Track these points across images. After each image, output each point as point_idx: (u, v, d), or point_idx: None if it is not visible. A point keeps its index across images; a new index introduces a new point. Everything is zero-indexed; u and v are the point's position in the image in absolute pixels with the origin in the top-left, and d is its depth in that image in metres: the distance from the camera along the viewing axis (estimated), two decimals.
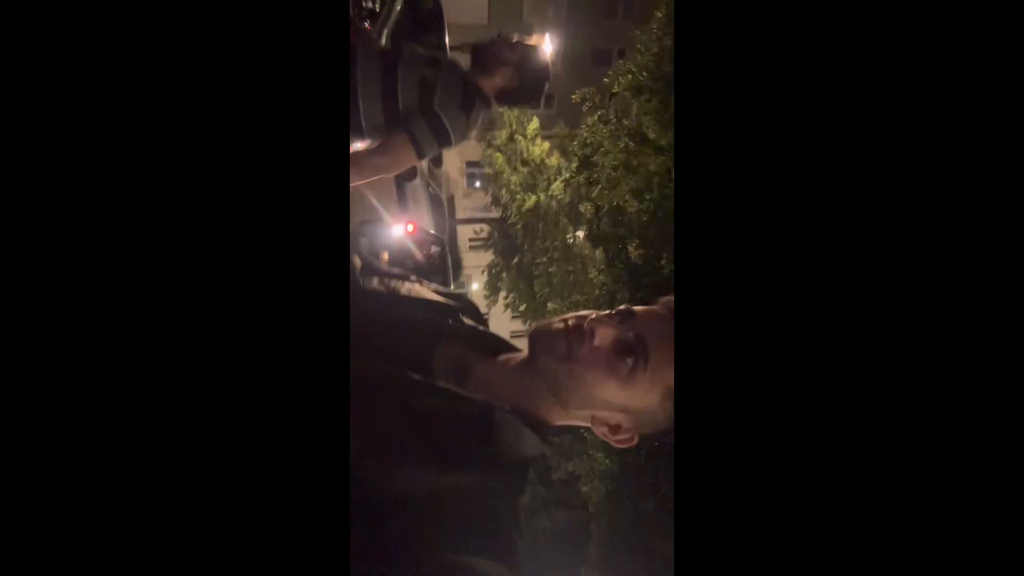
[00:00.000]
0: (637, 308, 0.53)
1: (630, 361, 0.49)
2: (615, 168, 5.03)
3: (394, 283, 0.61)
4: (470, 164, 10.87)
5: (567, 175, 6.40)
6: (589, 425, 0.54)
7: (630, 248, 4.94)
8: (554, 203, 7.14)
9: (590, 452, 5.59)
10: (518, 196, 7.33)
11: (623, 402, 0.50)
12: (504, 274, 8.10)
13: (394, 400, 0.46)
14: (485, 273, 8.50)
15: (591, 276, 5.69)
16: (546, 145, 7.61)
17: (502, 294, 8.28)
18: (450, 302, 0.61)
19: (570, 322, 0.52)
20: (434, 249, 4.71)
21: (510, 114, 7.52)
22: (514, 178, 7.59)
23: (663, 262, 4.61)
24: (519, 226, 7.40)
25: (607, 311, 0.53)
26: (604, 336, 0.50)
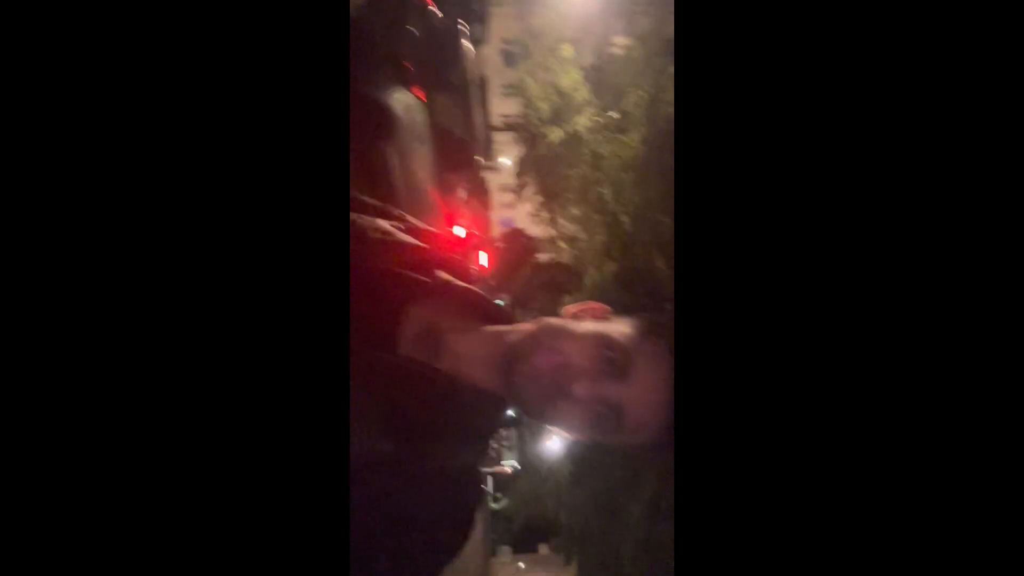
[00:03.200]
0: (638, 360, 0.48)
1: (599, 426, 0.48)
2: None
3: (361, 221, 0.55)
4: (506, 41, 10.72)
5: (592, 113, 6.71)
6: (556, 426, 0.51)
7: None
8: (579, 135, 7.46)
9: None
10: (545, 129, 7.65)
11: (591, 439, 0.52)
12: (531, 169, 8.43)
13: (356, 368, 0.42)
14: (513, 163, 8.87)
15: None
16: (576, 75, 7.69)
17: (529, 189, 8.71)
18: (426, 239, 0.56)
19: (554, 358, 0.48)
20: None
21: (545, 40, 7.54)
22: (543, 105, 7.83)
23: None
24: (547, 159, 7.80)
25: (601, 358, 0.48)
26: (582, 399, 0.47)
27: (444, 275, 0.55)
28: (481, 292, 0.55)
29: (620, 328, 0.50)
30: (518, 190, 8.97)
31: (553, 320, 0.52)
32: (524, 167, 8.69)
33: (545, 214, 8.32)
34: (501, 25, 9.05)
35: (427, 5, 3.38)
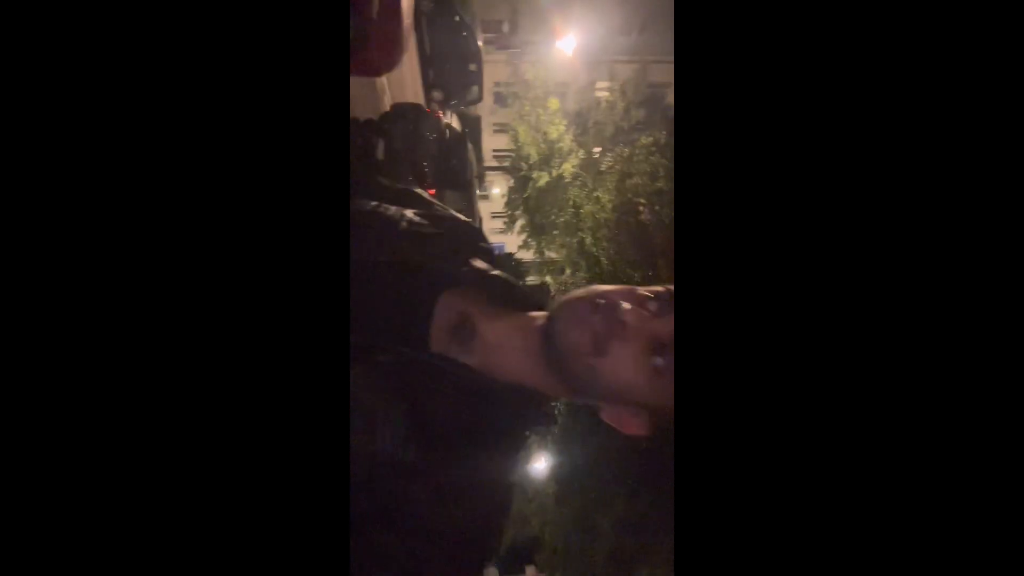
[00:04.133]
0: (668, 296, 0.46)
1: (660, 361, 0.44)
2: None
3: (391, 212, 0.54)
4: (497, 84, 11.50)
5: (576, 160, 7.47)
6: (599, 403, 0.49)
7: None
8: (564, 180, 8.21)
9: None
10: (534, 174, 8.39)
11: (642, 399, 0.46)
12: (520, 206, 9.12)
13: (384, 370, 0.43)
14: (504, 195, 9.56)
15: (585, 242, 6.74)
16: (562, 127, 8.46)
17: (519, 223, 9.37)
18: (455, 228, 0.55)
19: (600, 303, 0.46)
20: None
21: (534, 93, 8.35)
22: (532, 150, 8.56)
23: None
24: (533, 198, 8.54)
25: (645, 292, 0.47)
26: (637, 330, 0.45)
27: (479, 263, 0.53)
28: (514, 280, 0.54)
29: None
30: (509, 222, 9.68)
31: (578, 290, 0.50)
32: (513, 204, 9.40)
33: (533, 242, 9.03)
34: (493, 69, 9.84)
35: (439, 118, 4.07)
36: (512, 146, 9.09)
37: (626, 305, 0.46)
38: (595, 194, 6.38)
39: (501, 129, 10.35)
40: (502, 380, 0.47)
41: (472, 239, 0.57)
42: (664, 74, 11.63)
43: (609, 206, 5.96)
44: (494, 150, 11.46)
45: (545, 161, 8.46)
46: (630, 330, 0.45)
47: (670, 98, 12.75)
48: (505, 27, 12.07)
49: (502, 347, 0.49)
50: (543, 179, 8.34)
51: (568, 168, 8.11)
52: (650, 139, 6.15)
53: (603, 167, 6.70)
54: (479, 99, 6.34)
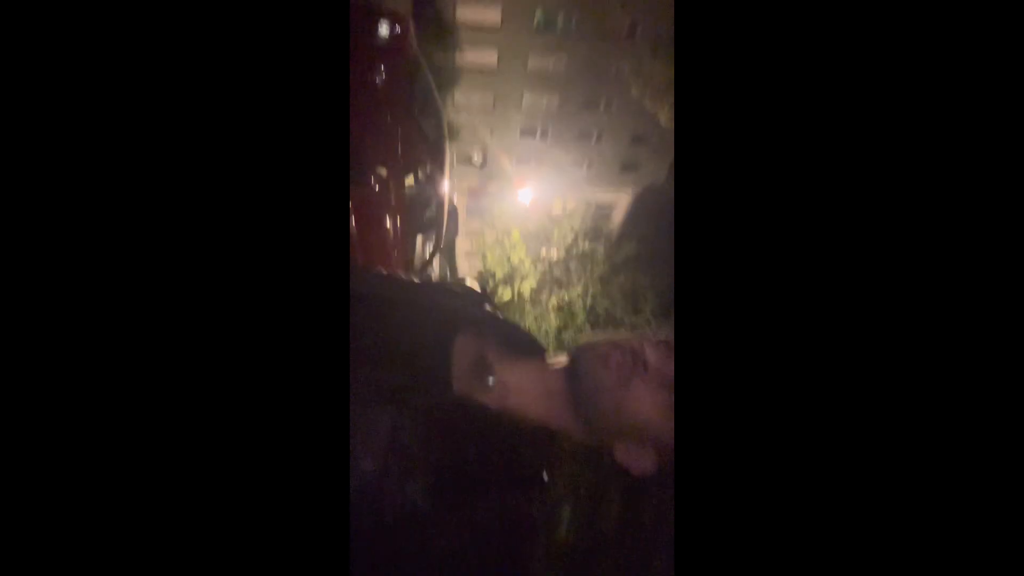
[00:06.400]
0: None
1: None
2: None
3: (397, 278, 0.59)
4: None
5: (533, 281, 9.28)
6: (611, 447, 0.49)
7: None
8: (524, 296, 9.98)
9: None
10: (499, 288, 10.15)
11: (658, 434, 0.48)
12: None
13: (404, 410, 0.44)
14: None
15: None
16: (523, 253, 10.39)
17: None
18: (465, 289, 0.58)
19: (621, 345, 0.49)
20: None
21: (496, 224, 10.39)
22: (497, 270, 10.39)
23: None
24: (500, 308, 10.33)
25: (659, 338, 0.50)
26: (657, 369, 0.48)
27: (489, 308, 0.56)
28: (522, 328, 0.56)
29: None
30: None
31: (594, 337, 0.53)
32: None
33: None
34: (463, 179, 11.89)
35: None
36: (481, 265, 10.94)
37: (645, 347, 0.49)
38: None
39: (471, 235, 12.15)
40: (525, 422, 0.49)
41: (470, 291, 0.61)
42: (608, 194, 14.13)
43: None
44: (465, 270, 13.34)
45: (508, 280, 10.26)
46: (651, 368, 0.48)
47: (616, 213, 15.22)
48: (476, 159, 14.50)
49: (523, 389, 0.51)
50: (507, 294, 10.08)
51: (527, 287, 9.92)
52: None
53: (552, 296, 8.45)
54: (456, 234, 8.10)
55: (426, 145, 2.32)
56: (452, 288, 0.61)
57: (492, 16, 10.91)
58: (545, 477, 0.48)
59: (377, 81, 1.89)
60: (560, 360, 0.53)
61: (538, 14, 11.04)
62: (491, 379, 0.50)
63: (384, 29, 1.91)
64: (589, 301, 9.51)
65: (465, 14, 10.63)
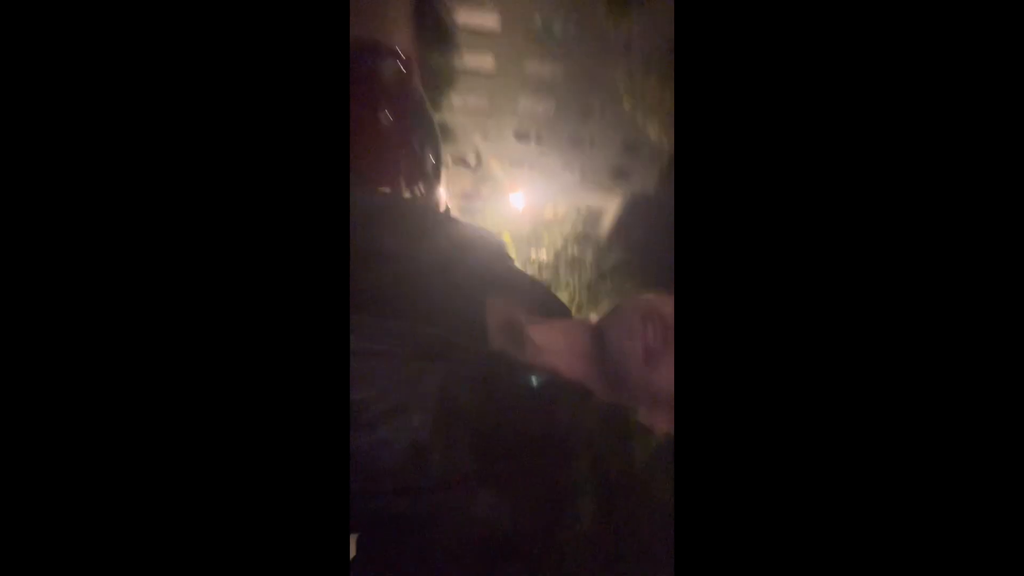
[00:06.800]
0: None
1: None
2: None
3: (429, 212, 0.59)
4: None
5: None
6: (638, 405, 0.51)
7: None
8: None
9: None
10: None
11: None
12: None
13: (447, 365, 0.43)
14: None
15: None
16: (513, 255, 10.65)
17: None
18: (487, 240, 0.59)
19: (651, 314, 0.50)
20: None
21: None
22: None
23: None
24: None
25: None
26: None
27: (515, 265, 0.58)
28: (547, 287, 0.59)
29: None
30: None
31: (627, 300, 0.52)
32: None
33: None
34: (456, 181, 12.04)
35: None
36: None
37: (673, 316, 0.49)
38: None
39: None
40: (557, 381, 0.49)
41: (501, 252, 0.61)
42: (599, 200, 14.41)
43: None
44: None
45: None
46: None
47: (606, 220, 15.49)
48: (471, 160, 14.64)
49: (552, 349, 0.52)
50: None
51: None
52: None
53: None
54: None
55: (422, 169, 2.51)
56: (483, 239, 0.60)
57: (491, 22, 11.04)
58: (583, 437, 0.47)
59: (381, 119, 2.07)
60: (590, 322, 0.54)
61: (537, 22, 11.19)
62: (533, 379, 0.49)
63: (388, 69, 2.08)
64: (575, 308, 9.85)
65: (465, 18, 10.76)
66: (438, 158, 2.58)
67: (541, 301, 0.57)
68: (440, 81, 10.19)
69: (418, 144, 2.33)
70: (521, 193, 12.27)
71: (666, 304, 0.51)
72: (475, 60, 11.44)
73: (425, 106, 2.40)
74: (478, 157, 14.40)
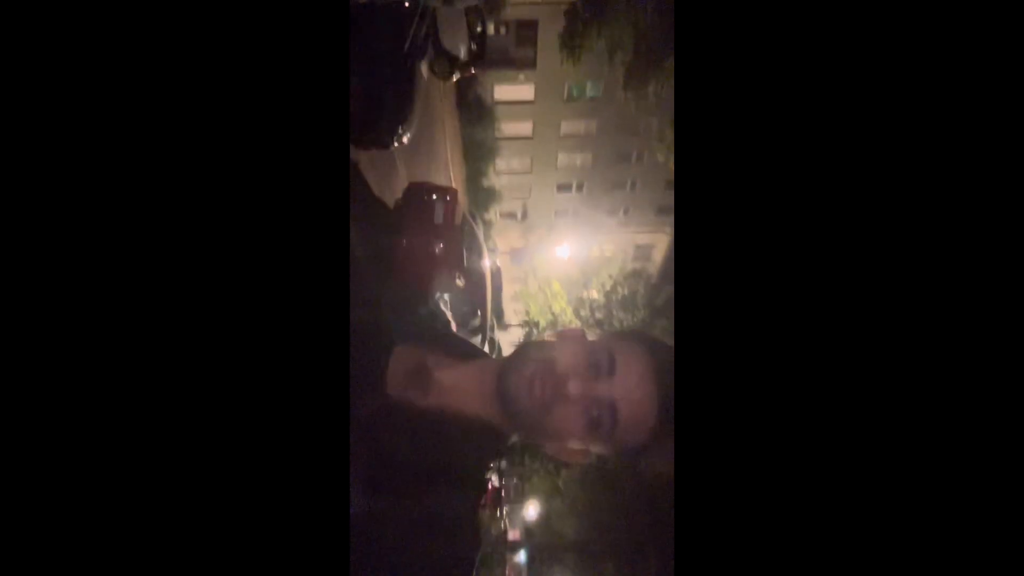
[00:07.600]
0: (618, 358, 0.51)
1: (596, 414, 0.50)
2: None
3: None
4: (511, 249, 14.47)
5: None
6: (544, 442, 0.55)
7: None
8: None
9: None
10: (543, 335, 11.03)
11: (583, 443, 0.53)
12: None
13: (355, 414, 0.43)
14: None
15: None
16: (564, 301, 11.23)
17: None
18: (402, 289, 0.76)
19: (546, 367, 0.51)
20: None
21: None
22: (540, 319, 11.26)
23: None
24: None
25: (589, 345, 0.53)
26: (578, 396, 0.50)
27: (429, 322, 0.60)
28: (462, 337, 0.60)
29: (596, 338, 0.55)
30: None
31: (533, 341, 0.58)
32: None
33: None
34: (504, 234, 12.90)
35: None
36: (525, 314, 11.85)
37: (569, 370, 0.51)
38: None
39: (515, 281, 13.05)
40: (460, 418, 0.52)
41: (419, 300, 0.60)
42: (647, 239, 14.81)
43: None
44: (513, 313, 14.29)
45: (551, 327, 11.09)
46: (571, 396, 0.51)
47: (656, 256, 15.79)
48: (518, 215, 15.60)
49: (457, 389, 0.54)
50: None
51: None
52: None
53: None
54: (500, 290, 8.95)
55: (468, 267, 3.31)
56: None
57: (526, 93, 12.18)
58: (489, 478, 0.53)
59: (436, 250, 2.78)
60: (495, 363, 0.56)
61: (568, 86, 12.21)
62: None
63: (439, 208, 2.87)
64: None
65: (502, 93, 11.98)
66: (481, 252, 3.23)
67: (456, 347, 0.60)
68: (483, 152, 11.31)
69: (466, 250, 3.03)
70: (567, 239, 12.99)
71: (564, 346, 0.54)
72: (513, 128, 12.56)
73: (470, 224, 3.11)
74: (524, 210, 15.34)
